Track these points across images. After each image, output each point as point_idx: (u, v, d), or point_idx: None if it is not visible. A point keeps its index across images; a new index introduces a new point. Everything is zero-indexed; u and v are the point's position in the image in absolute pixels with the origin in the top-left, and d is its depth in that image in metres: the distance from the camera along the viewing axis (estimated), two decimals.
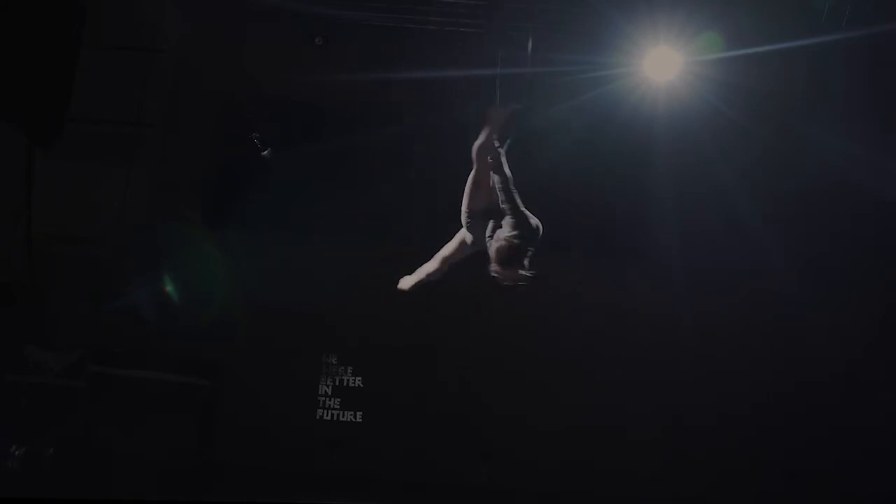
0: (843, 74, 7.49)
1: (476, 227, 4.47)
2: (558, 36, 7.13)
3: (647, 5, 6.88)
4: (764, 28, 7.03)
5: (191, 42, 7.94)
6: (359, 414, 7.72)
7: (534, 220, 4.27)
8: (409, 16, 7.51)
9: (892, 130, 7.32)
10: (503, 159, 4.39)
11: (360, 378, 7.79)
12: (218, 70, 7.93)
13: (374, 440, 7.59)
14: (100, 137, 7.80)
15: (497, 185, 4.28)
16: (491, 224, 4.36)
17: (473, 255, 4.59)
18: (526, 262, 4.16)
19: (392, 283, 5.04)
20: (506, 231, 4.20)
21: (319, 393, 7.77)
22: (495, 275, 4.22)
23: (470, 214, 4.52)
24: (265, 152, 7.75)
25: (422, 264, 4.91)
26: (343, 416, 7.72)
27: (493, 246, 4.24)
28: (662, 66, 7.15)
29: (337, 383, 7.80)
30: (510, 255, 4.16)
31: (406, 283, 4.95)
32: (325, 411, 7.73)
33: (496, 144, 4.43)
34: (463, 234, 4.61)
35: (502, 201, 4.25)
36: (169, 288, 7.59)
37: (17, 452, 6.69)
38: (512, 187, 4.28)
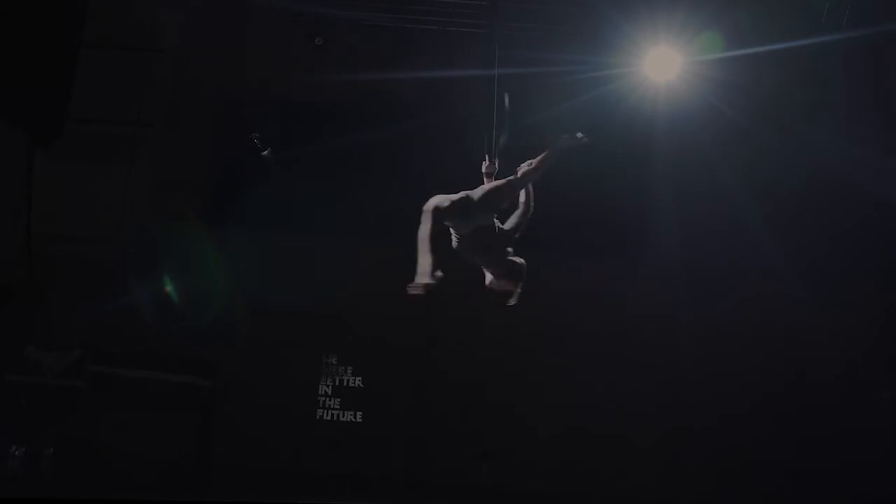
0: (842, 74, 7.50)
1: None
2: (558, 36, 7.14)
3: (647, 5, 6.89)
4: (764, 28, 7.04)
5: (191, 42, 7.95)
6: (359, 414, 7.73)
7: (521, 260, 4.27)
8: (409, 16, 7.52)
9: (892, 130, 7.32)
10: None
11: (360, 378, 7.80)
12: (218, 70, 7.94)
13: (374, 440, 7.59)
14: (100, 137, 7.81)
15: (521, 209, 4.40)
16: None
17: (473, 257, 4.57)
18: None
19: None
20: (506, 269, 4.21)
21: (319, 393, 7.77)
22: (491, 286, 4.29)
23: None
24: (265, 152, 7.74)
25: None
26: (343, 416, 7.73)
27: (493, 282, 4.27)
28: (662, 66, 7.16)
29: (337, 383, 7.80)
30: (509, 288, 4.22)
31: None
32: (325, 411, 7.73)
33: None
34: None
35: (516, 226, 4.34)
36: (169, 288, 7.59)
37: (17, 452, 6.70)
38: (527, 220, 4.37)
